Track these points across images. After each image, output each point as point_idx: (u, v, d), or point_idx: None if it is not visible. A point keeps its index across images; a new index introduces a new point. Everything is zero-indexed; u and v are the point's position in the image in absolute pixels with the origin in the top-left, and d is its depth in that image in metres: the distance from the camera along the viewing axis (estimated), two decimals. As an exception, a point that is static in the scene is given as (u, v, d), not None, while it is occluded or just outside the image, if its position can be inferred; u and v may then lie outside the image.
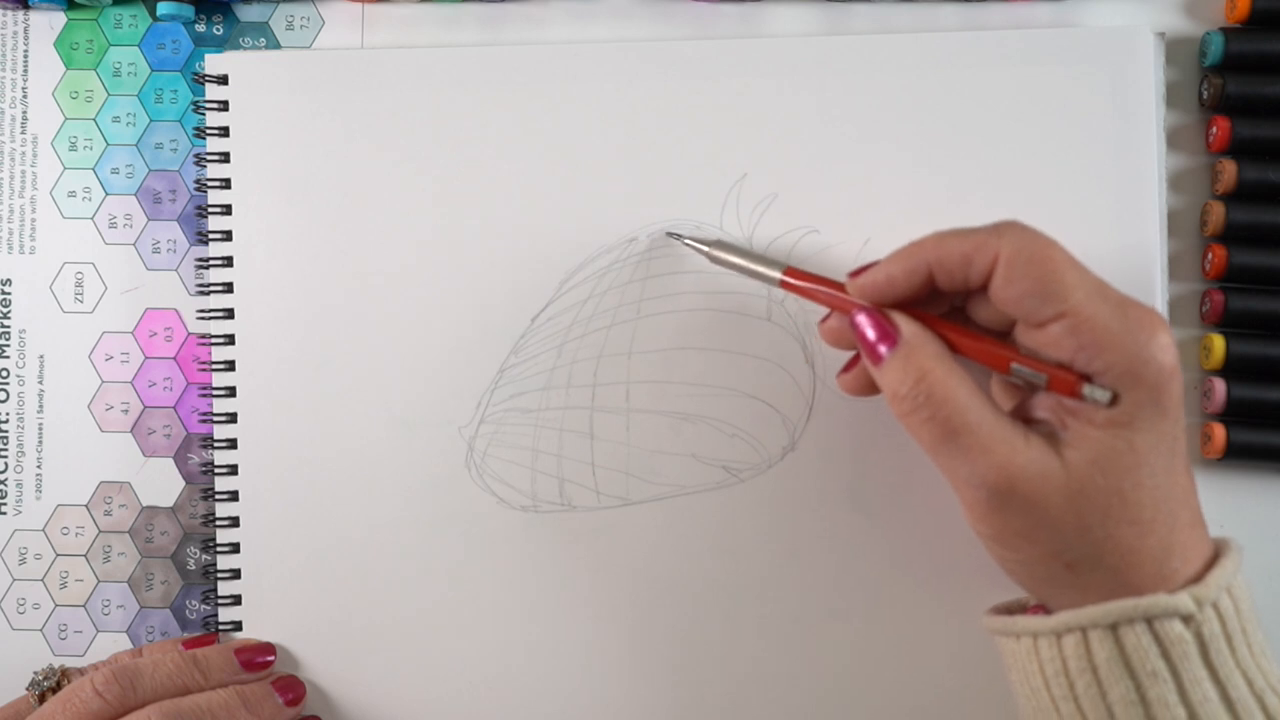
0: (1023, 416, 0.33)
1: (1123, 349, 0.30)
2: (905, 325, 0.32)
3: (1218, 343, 0.40)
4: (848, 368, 0.36)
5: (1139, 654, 0.30)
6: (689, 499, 0.40)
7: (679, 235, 0.40)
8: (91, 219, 0.43)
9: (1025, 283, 0.31)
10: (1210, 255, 0.40)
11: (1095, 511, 0.30)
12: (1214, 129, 0.40)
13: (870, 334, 0.33)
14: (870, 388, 0.35)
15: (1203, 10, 0.41)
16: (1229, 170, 0.40)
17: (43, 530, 0.43)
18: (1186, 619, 0.30)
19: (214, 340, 0.41)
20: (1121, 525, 0.30)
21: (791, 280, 0.36)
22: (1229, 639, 0.30)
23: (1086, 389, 0.30)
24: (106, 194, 0.43)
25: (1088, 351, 0.30)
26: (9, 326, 0.43)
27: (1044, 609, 0.33)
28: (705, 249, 0.38)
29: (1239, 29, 0.40)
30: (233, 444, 0.41)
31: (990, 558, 0.33)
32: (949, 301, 0.34)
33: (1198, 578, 0.30)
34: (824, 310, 0.36)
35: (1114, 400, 0.30)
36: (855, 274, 0.34)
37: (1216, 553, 0.31)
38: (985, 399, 0.31)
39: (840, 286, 0.35)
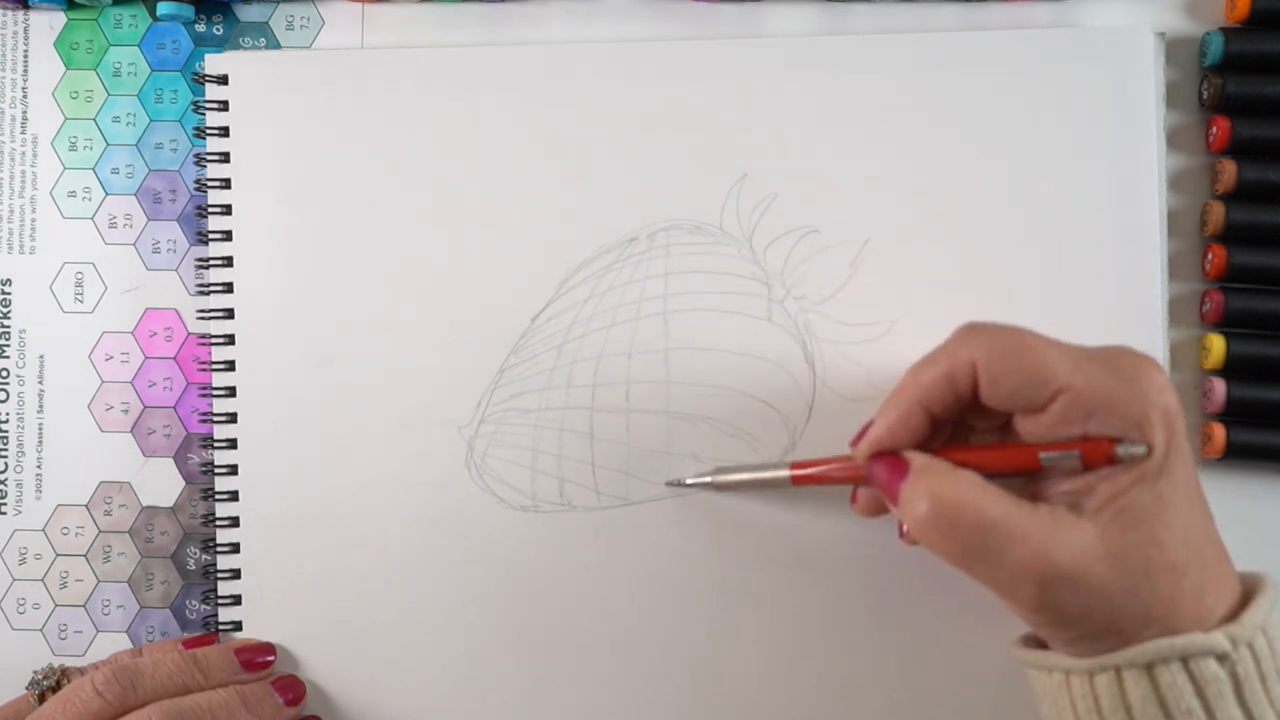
0: (1041, 500, 0.32)
1: (1126, 404, 0.30)
2: (913, 455, 0.33)
3: (1217, 343, 0.39)
4: (854, 498, 0.37)
5: (1174, 693, 0.29)
6: (689, 499, 0.40)
7: (677, 481, 0.40)
8: (91, 219, 0.43)
9: (1011, 378, 0.31)
10: (1210, 255, 0.40)
11: (1138, 568, 0.30)
12: (1214, 129, 0.40)
13: (884, 475, 0.33)
14: (881, 508, 0.36)
15: (1203, 10, 0.41)
16: (1229, 170, 0.40)
17: (43, 530, 0.43)
18: (1221, 658, 0.29)
19: (214, 340, 0.41)
20: (1161, 574, 0.30)
21: (801, 473, 0.36)
22: (1263, 678, 0.30)
23: (1121, 449, 0.30)
24: (106, 194, 0.43)
25: (1099, 417, 0.30)
26: (9, 326, 0.43)
27: None
28: (708, 480, 0.39)
29: (1239, 29, 0.40)
30: (233, 444, 0.41)
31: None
32: (946, 432, 0.35)
33: (1232, 615, 0.30)
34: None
35: (1150, 451, 0.30)
36: (855, 441, 0.34)
37: (1247, 589, 0.31)
38: (1004, 495, 0.31)
39: (849, 460, 0.35)
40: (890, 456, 0.33)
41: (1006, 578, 0.30)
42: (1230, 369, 0.40)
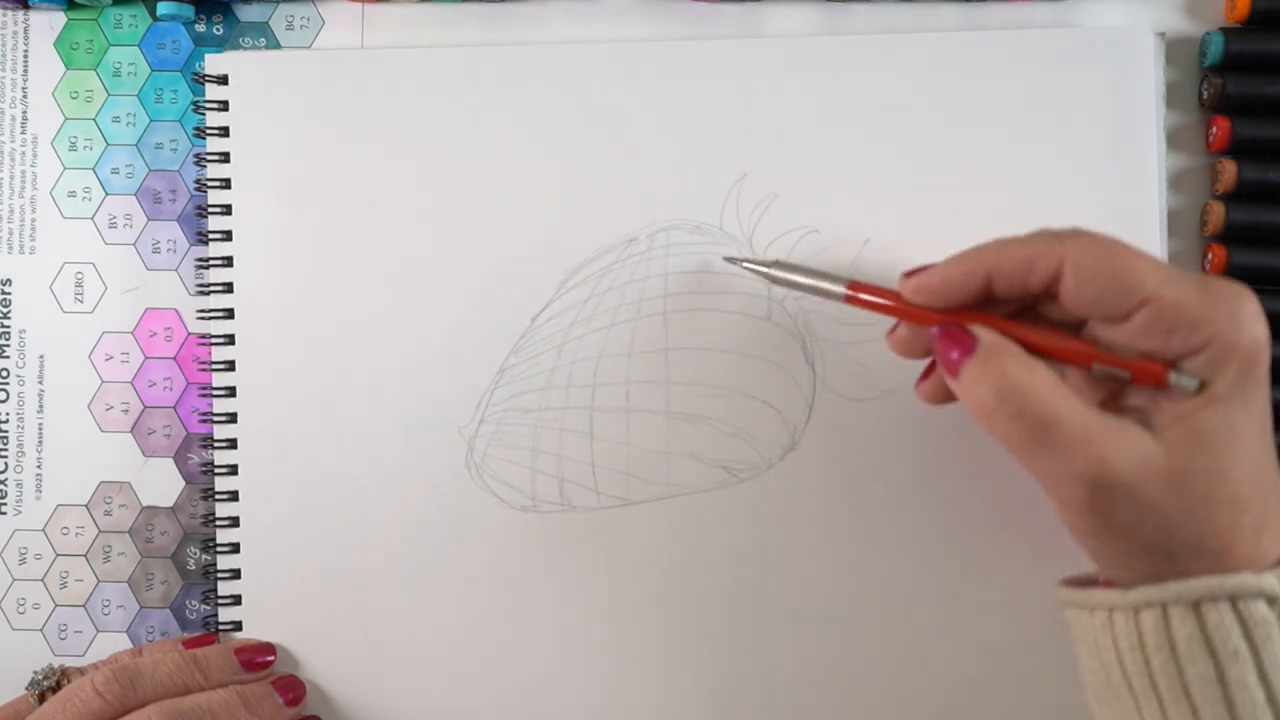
0: (1113, 408, 0.32)
1: (1213, 324, 0.29)
2: (982, 332, 0.32)
3: (1218, 343, 0.39)
4: (925, 375, 0.36)
5: (1221, 633, 0.29)
6: (689, 499, 0.40)
7: (736, 259, 0.39)
8: (91, 219, 0.43)
9: (1099, 280, 0.30)
10: (1210, 255, 0.40)
11: (1198, 494, 0.29)
12: (1214, 129, 0.40)
13: (947, 346, 0.32)
14: (951, 395, 0.35)
15: (1203, 10, 0.41)
16: (1229, 170, 0.40)
17: (43, 530, 0.43)
18: (1271, 601, 0.29)
19: (214, 340, 0.41)
20: (1222, 506, 0.29)
21: (857, 294, 0.35)
22: None
23: (1173, 378, 0.30)
24: (106, 194, 0.43)
25: (1180, 333, 0.30)
26: (9, 326, 0.43)
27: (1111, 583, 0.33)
28: (765, 270, 0.38)
29: (1239, 29, 0.40)
30: (233, 444, 0.41)
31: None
32: (1008, 308, 0.34)
33: None
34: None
35: (1201, 386, 0.29)
36: (910, 274, 0.34)
37: None
38: (1072, 393, 0.30)
39: (904, 301, 0.34)
40: (954, 327, 0.32)
41: (1062, 474, 0.30)
42: (1230, 369, 0.40)
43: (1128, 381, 0.31)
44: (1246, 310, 0.30)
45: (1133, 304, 0.30)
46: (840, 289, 0.36)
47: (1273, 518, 0.30)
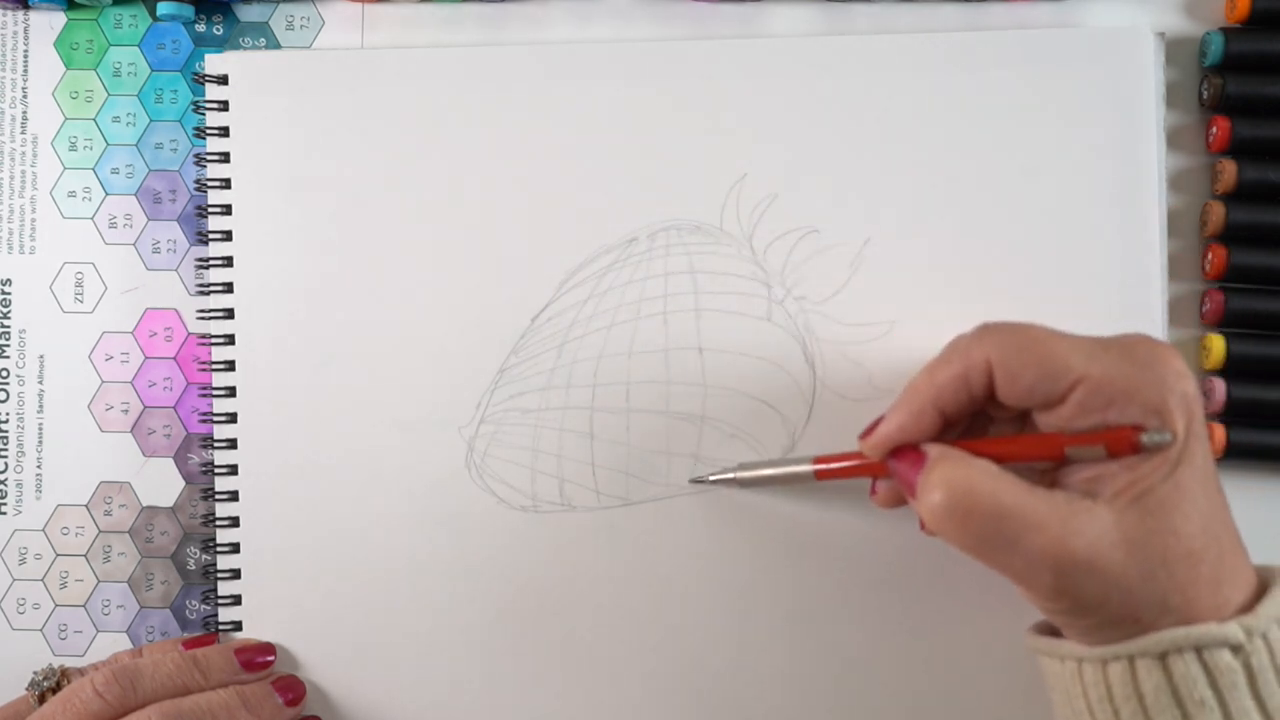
0: (1057, 487, 0.32)
1: (1144, 391, 0.30)
2: (930, 447, 0.32)
3: (1217, 343, 0.39)
4: (873, 490, 0.37)
5: (1187, 683, 0.29)
6: (689, 499, 0.40)
7: (701, 479, 0.40)
8: (91, 219, 0.43)
9: (1028, 372, 0.31)
10: (1210, 255, 0.40)
11: (1155, 556, 0.29)
12: (1214, 129, 0.40)
13: (904, 469, 0.33)
14: (900, 499, 0.35)
15: (1203, 10, 0.41)
16: (1229, 170, 0.40)
17: (43, 530, 0.43)
18: (1235, 649, 0.29)
19: (214, 340, 0.41)
20: (1179, 562, 0.30)
21: (824, 468, 0.36)
22: (1277, 670, 0.29)
23: (1146, 438, 0.30)
24: (106, 194, 0.43)
25: (1117, 406, 0.30)
26: (9, 326, 0.43)
27: None
28: (732, 477, 0.39)
29: (1239, 29, 0.40)
30: (233, 444, 0.41)
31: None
32: (960, 426, 0.34)
33: (1248, 607, 0.30)
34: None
35: (1174, 438, 0.30)
36: (864, 435, 0.34)
37: (1264, 581, 0.31)
38: (1019, 482, 0.31)
39: (867, 458, 0.35)
40: (908, 449, 0.33)
41: (1023, 566, 0.30)
42: (1230, 369, 0.40)
43: (1102, 458, 0.31)
44: (1171, 369, 0.30)
45: (1065, 387, 0.31)
46: (807, 468, 0.37)
47: (1229, 562, 0.30)
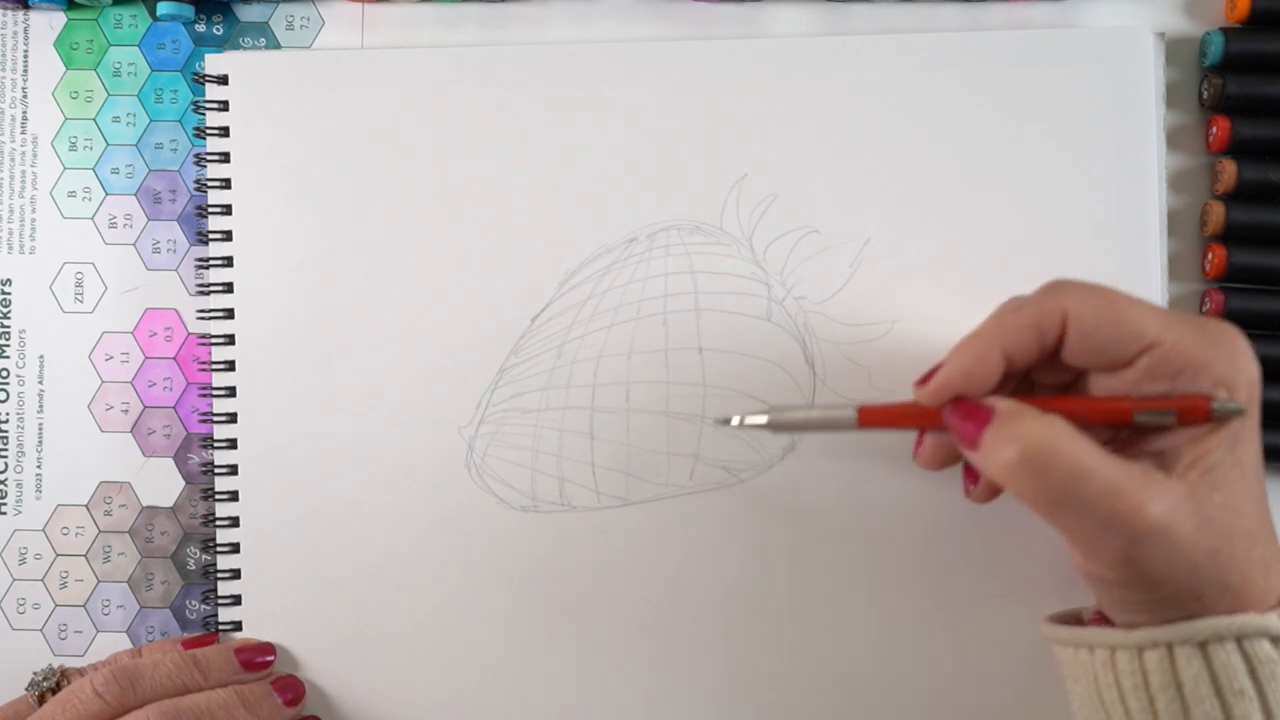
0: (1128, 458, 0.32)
1: (1216, 366, 0.30)
2: (997, 401, 0.31)
3: (1218, 343, 0.39)
4: (918, 446, 0.36)
5: (1227, 672, 0.29)
6: (689, 499, 0.40)
7: (725, 420, 0.36)
8: (91, 219, 0.43)
9: (1103, 329, 0.30)
10: (1210, 255, 0.40)
11: (1220, 532, 0.29)
12: (1214, 129, 0.40)
13: (962, 420, 0.31)
14: (947, 459, 0.35)
15: (1203, 10, 0.41)
16: (1229, 170, 0.40)
17: (43, 530, 0.43)
18: (1275, 639, 0.29)
19: (214, 340, 0.41)
20: (1239, 539, 0.29)
21: (870, 413, 0.34)
22: None
23: (1218, 406, 0.30)
24: (106, 194, 0.43)
25: (1186, 376, 0.30)
26: (9, 326, 0.43)
27: (1107, 619, 0.33)
28: (763, 423, 0.35)
29: (1239, 29, 0.40)
30: (233, 444, 0.41)
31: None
32: (1013, 383, 0.34)
33: None
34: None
35: (1244, 411, 0.30)
36: (921, 382, 0.33)
37: None
38: (1096, 446, 0.30)
39: (918, 407, 0.33)
40: (969, 403, 0.32)
41: (1095, 529, 0.29)
42: (1230, 369, 0.40)
43: (1172, 425, 0.30)
44: (1241, 349, 0.31)
45: (1136, 350, 0.30)
46: (850, 414, 0.34)
47: (1274, 551, 0.30)
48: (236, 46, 0.43)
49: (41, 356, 0.43)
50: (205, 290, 0.42)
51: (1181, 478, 0.30)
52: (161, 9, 0.42)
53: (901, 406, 0.34)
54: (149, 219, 0.43)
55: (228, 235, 0.41)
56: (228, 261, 0.41)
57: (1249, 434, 0.30)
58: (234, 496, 0.41)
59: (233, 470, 0.41)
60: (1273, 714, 0.29)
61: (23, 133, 0.43)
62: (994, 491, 0.36)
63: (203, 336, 0.42)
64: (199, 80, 0.42)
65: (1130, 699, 0.30)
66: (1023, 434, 0.30)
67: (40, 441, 0.43)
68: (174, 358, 0.43)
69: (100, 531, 0.43)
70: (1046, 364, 0.32)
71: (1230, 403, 0.30)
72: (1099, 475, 0.29)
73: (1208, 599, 0.30)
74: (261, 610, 0.41)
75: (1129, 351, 0.31)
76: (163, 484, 0.43)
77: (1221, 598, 0.30)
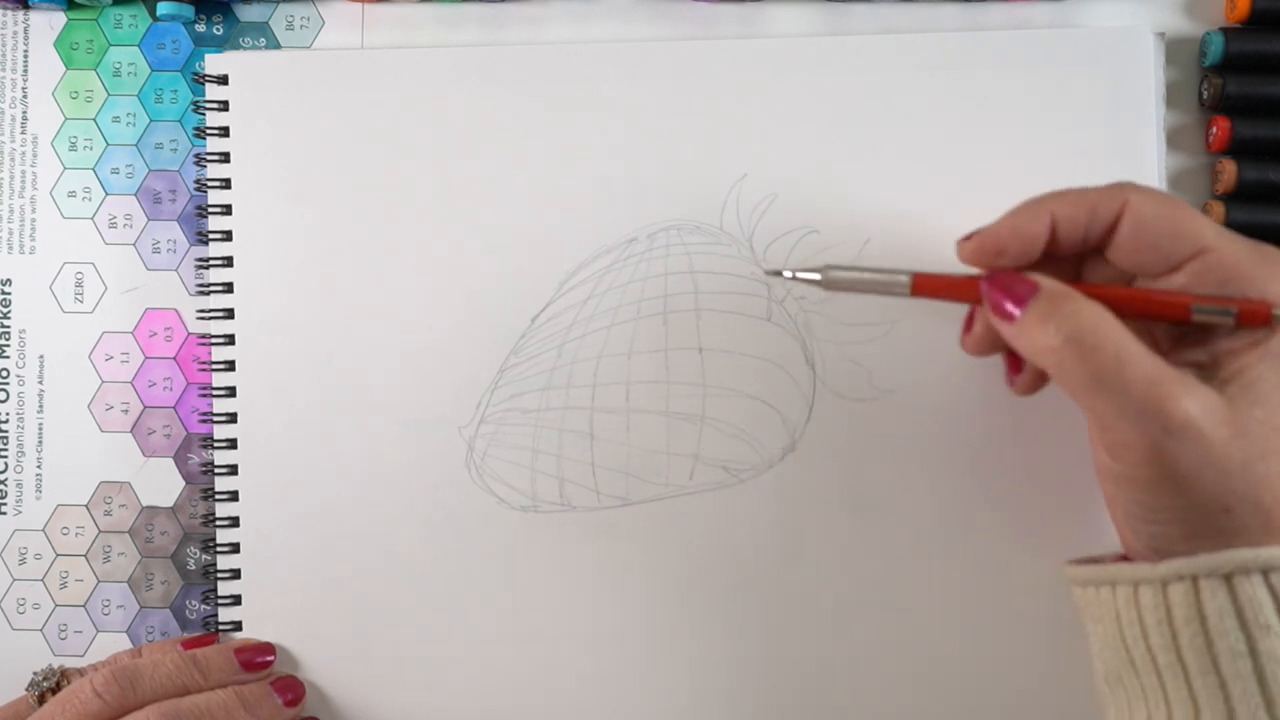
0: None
1: (1263, 281, 0.30)
2: (1041, 278, 0.31)
3: (1218, 343, 0.39)
4: (967, 328, 0.35)
5: (1253, 606, 0.29)
6: (689, 499, 0.40)
7: (776, 271, 0.36)
8: (91, 219, 0.43)
9: (1160, 224, 0.31)
10: (1210, 255, 0.40)
11: (1256, 446, 0.29)
12: (1214, 129, 0.40)
13: (1000, 293, 0.31)
14: (998, 343, 0.34)
15: (1203, 10, 0.41)
16: (1229, 170, 0.40)
17: (43, 530, 0.43)
18: None
19: (214, 340, 0.41)
20: (1273, 459, 0.29)
21: (924, 286, 0.33)
22: None
23: (1278, 312, 0.30)
24: (106, 194, 0.43)
25: (1235, 285, 0.30)
26: (9, 326, 0.43)
27: (1127, 559, 0.32)
28: (816, 278, 0.34)
29: (1239, 29, 0.40)
30: (233, 444, 0.41)
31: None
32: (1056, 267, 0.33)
33: None
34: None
35: None
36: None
37: None
38: (1137, 338, 0.30)
39: (975, 280, 0.32)
40: (1010, 274, 0.31)
41: (1131, 414, 0.29)
42: (1230, 369, 0.40)
43: (1231, 325, 0.30)
44: None
45: (1189, 253, 0.31)
46: (904, 279, 0.33)
47: None
48: (236, 46, 0.43)
49: (41, 356, 0.43)
50: (205, 290, 0.42)
51: (1221, 386, 0.30)
52: (161, 9, 0.42)
53: (958, 278, 0.33)
54: (149, 219, 0.43)
55: (228, 235, 0.41)
56: (228, 261, 0.41)
57: None
58: (234, 496, 0.41)
59: (233, 470, 0.41)
60: None
61: (23, 133, 0.43)
62: (1037, 383, 0.35)
63: (203, 336, 0.42)
64: (199, 80, 0.42)
65: (1153, 635, 0.30)
66: (1068, 314, 0.30)
67: (40, 441, 0.43)
68: (174, 358, 0.43)
69: (100, 531, 0.43)
70: (1091, 265, 0.32)
71: None
72: (1141, 364, 0.29)
73: (1237, 514, 0.29)
74: (261, 610, 0.41)
75: (1182, 252, 0.31)
76: (163, 484, 0.43)
77: (1254, 516, 0.29)
